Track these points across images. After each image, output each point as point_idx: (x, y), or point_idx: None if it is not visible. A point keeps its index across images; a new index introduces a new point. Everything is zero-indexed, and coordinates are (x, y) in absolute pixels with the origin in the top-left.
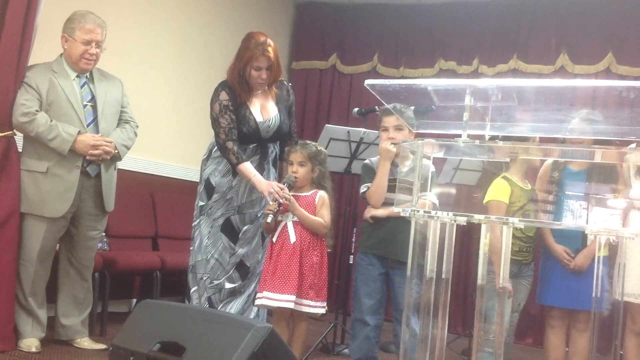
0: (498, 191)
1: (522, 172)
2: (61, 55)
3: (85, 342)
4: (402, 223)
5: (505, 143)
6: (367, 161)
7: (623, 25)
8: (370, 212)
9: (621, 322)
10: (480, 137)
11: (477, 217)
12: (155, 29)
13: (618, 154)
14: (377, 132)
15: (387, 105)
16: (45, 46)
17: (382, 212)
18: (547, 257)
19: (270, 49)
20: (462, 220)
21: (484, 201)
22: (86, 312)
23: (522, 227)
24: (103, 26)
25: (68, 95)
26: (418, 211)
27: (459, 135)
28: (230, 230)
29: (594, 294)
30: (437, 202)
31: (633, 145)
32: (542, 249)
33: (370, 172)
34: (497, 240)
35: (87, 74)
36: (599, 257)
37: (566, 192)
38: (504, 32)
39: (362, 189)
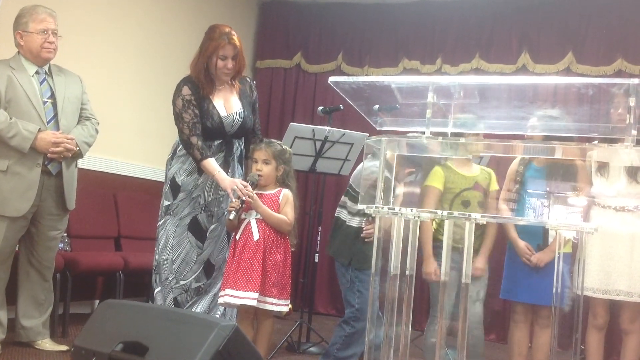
0: (432, 177)
1: (466, 160)
2: (18, 52)
3: (47, 344)
4: None
5: (467, 139)
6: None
7: (583, 26)
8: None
9: (581, 317)
10: (443, 134)
11: (441, 213)
12: (117, 27)
13: (579, 151)
14: (342, 130)
15: None
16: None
17: None
18: (512, 252)
19: (235, 37)
20: (425, 216)
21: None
22: (47, 313)
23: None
24: (54, 15)
25: (27, 92)
26: (382, 208)
27: (422, 133)
28: (197, 229)
29: (554, 290)
30: None
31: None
32: (508, 244)
33: None
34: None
35: (46, 70)
36: (560, 253)
37: (528, 190)
38: (466, 32)
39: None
